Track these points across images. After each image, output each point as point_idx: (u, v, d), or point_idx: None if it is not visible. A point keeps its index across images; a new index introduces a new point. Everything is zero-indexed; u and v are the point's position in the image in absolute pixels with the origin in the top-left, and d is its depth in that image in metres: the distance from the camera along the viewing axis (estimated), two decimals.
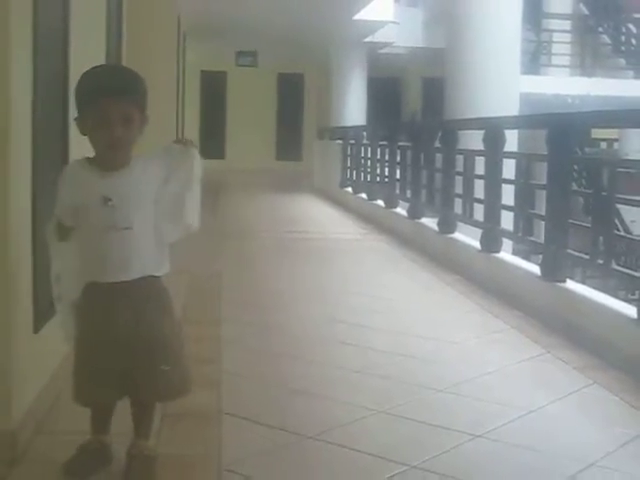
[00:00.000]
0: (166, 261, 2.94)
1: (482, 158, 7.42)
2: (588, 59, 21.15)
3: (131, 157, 2.84)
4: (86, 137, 2.81)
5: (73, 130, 3.89)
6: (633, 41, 22.07)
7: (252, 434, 3.39)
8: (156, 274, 2.89)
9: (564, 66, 20.69)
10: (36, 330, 3.30)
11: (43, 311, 3.41)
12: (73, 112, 3.83)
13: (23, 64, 3.09)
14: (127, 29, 6.82)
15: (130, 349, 2.82)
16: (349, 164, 15.51)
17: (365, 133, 14.63)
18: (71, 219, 2.83)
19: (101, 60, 5.16)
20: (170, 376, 2.87)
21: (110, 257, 2.82)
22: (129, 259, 2.81)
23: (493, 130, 7.15)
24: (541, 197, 6.44)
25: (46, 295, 3.44)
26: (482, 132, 7.33)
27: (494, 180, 7.09)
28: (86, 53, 4.45)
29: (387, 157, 12.10)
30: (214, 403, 3.69)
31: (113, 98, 2.74)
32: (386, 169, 12.15)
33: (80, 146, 3.36)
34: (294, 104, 27.50)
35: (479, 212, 7.51)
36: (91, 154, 2.87)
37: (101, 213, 2.77)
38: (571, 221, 5.78)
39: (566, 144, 5.77)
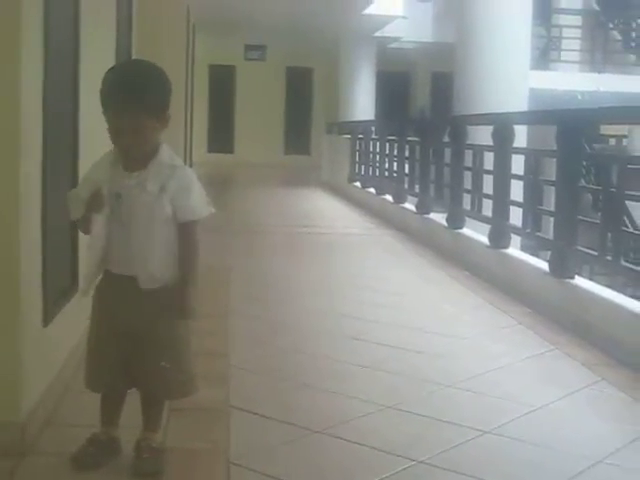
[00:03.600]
0: (170, 269, 2.90)
1: (491, 153, 7.41)
2: (598, 55, 21.07)
3: (154, 154, 2.84)
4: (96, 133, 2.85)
5: (83, 123, 3.92)
6: None
7: (260, 428, 3.39)
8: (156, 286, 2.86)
9: (574, 62, 20.65)
10: (45, 323, 3.31)
11: (52, 304, 3.42)
12: (84, 107, 3.87)
13: (34, 56, 3.09)
14: (137, 22, 6.82)
15: (131, 341, 2.85)
16: (358, 159, 15.50)
17: (374, 128, 14.62)
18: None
19: (111, 53, 5.16)
20: (171, 375, 2.88)
21: (113, 250, 2.88)
22: (130, 255, 2.84)
23: (502, 125, 7.13)
24: (550, 193, 6.43)
25: (55, 288, 3.46)
26: (491, 127, 7.31)
27: (503, 176, 7.07)
28: (96, 46, 4.45)
29: (396, 152, 12.09)
30: (222, 397, 3.69)
31: (122, 111, 2.76)
32: (395, 164, 12.13)
33: (91, 140, 3.37)
34: (303, 98, 27.45)
35: (488, 208, 7.50)
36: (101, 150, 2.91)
37: (113, 208, 2.84)
38: (580, 217, 5.76)
39: (575, 140, 5.75)
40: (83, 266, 2.97)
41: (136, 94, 2.78)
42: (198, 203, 2.88)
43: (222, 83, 26.52)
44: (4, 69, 2.87)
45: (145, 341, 2.85)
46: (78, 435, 2.99)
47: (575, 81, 19.07)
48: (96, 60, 4.23)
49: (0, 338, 2.93)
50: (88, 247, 2.93)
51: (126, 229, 2.83)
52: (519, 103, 10.86)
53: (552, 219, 6.12)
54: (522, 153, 7.16)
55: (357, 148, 15.61)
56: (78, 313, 3.05)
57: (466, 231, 8.18)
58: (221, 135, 26.27)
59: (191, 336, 3.01)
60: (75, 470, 2.87)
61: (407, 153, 11.32)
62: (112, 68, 2.91)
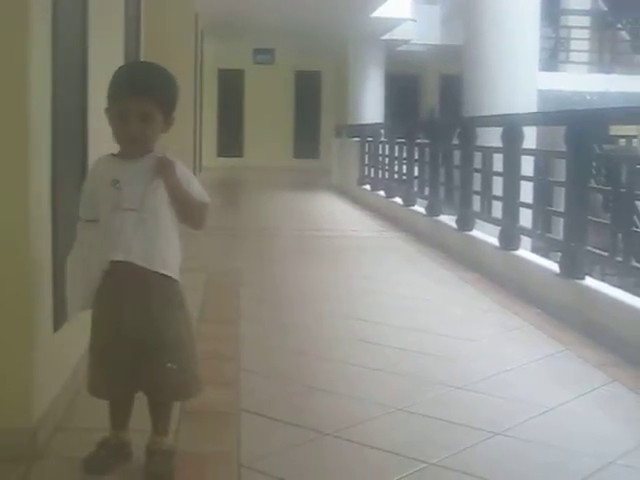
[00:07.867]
0: (176, 260, 2.94)
1: (500, 155, 7.40)
2: (607, 55, 21.05)
3: (149, 152, 2.89)
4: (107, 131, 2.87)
5: (92, 129, 3.93)
6: None
7: (270, 431, 3.39)
8: (163, 271, 2.88)
9: (583, 63, 20.62)
10: (56, 328, 3.32)
11: (63, 309, 3.42)
12: (93, 113, 3.89)
13: (42, 64, 3.11)
14: (145, 28, 6.84)
15: (138, 343, 2.84)
16: (367, 162, 15.50)
17: (383, 130, 14.62)
18: (89, 211, 2.93)
19: (120, 58, 5.18)
20: (177, 375, 2.88)
21: (112, 235, 2.85)
22: (130, 239, 2.83)
23: (511, 127, 7.13)
24: (559, 194, 6.42)
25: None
26: (500, 129, 7.31)
27: (512, 177, 7.07)
28: (104, 52, 4.46)
29: (405, 154, 12.09)
30: (233, 400, 3.70)
31: (132, 96, 2.82)
32: (404, 166, 12.14)
33: (99, 144, 3.38)
34: (311, 102, 27.46)
35: (497, 209, 7.49)
36: (111, 151, 2.92)
37: (109, 194, 2.85)
38: (590, 218, 5.75)
39: (585, 141, 5.75)
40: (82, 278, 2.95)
41: (146, 81, 2.89)
42: (200, 190, 2.95)
43: (231, 87, 26.56)
44: (12, 76, 2.88)
45: (153, 343, 2.85)
46: (89, 439, 2.99)
47: (584, 82, 19.03)
48: (104, 65, 4.24)
49: (11, 343, 2.94)
50: (89, 247, 2.91)
51: (125, 212, 2.82)
52: (528, 104, 10.84)
53: (562, 220, 6.11)
54: (531, 154, 7.15)
55: (366, 151, 15.62)
56: (89, 318, 3.06)
57: (476, 233, 8.17)
58: (230, 139, 26.31)
59: (194, 336, 3.02)
60: (86, 474, 2.87)
61: (416, 155, 11.33)
62: (122, 66, 2.96)
